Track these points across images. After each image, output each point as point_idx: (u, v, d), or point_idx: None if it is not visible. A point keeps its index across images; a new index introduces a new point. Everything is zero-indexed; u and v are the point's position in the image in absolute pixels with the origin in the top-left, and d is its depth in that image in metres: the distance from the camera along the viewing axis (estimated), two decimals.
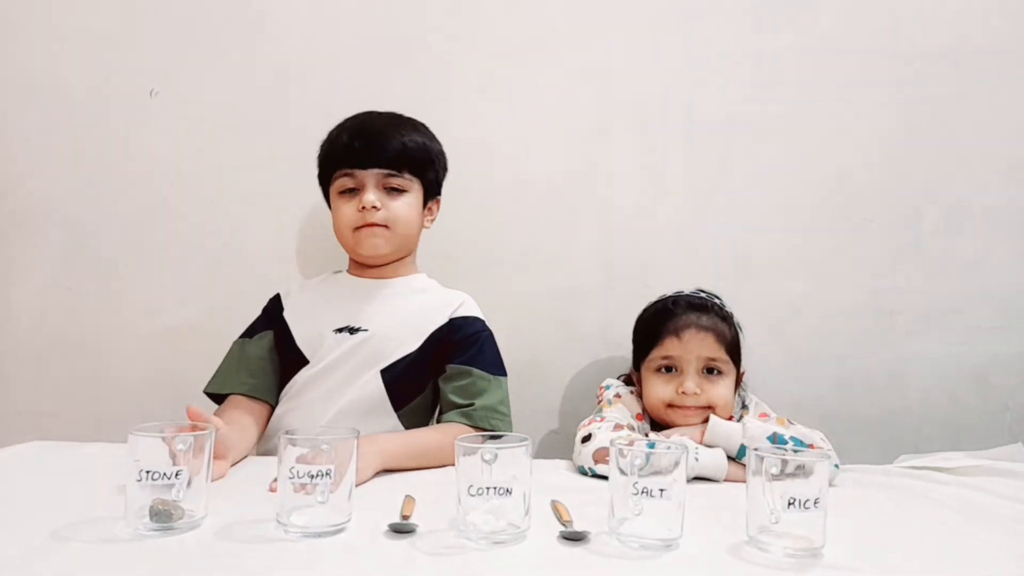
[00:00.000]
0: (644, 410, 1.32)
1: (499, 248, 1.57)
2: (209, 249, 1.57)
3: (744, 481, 0.82)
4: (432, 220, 1.41)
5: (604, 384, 1.38)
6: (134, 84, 1.56)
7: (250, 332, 1.34)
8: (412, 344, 1.28)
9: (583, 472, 1.17)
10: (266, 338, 1.32)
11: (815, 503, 0.77)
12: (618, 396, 1.33)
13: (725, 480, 1.14)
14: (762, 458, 0.79)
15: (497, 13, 1.56)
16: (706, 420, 1.22)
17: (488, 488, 0.78)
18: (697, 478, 1.13)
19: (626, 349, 1.43)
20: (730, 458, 1.16)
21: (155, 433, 0.81)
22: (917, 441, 1.54)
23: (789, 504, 0.77)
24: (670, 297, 1.36)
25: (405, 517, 0.85)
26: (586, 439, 1.18)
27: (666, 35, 1.57)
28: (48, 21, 1.57)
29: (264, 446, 1.27)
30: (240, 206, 1.57)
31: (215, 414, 1.24)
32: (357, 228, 1.29)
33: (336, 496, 0.80)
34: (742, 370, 1.34)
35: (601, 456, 1.12)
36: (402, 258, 1.36)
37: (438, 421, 1.30)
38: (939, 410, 1.57)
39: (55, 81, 1.56)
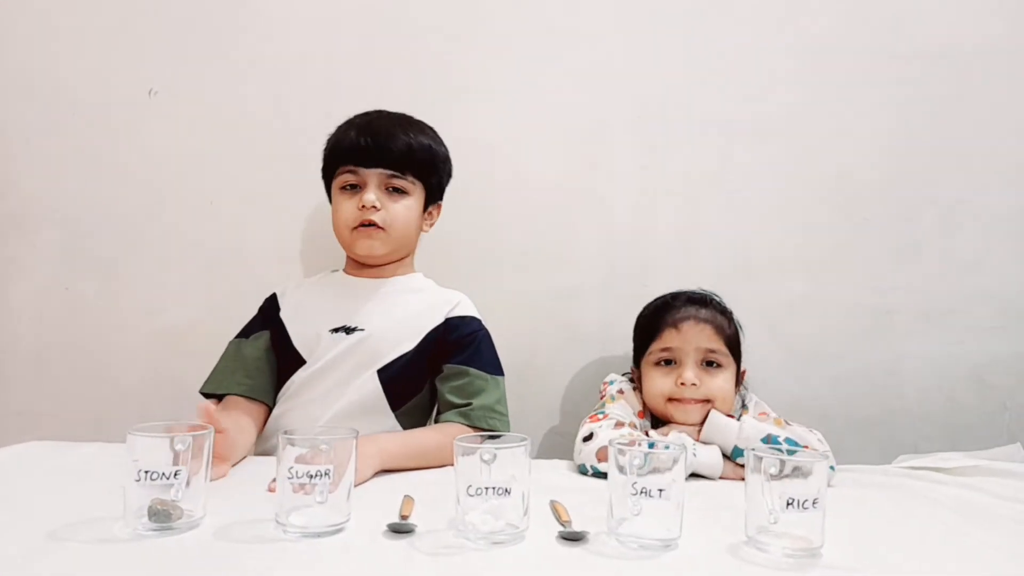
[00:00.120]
0: (645, 407, 1.32)
1: (499, 248, 1.57)
2: (209, 249, 1.57)
3: (738, 479, 0.82)
4: (431, 225, 1.40)
5: (608, 379, 1.38)
6: (134, 84, 1.56)
7: (246, 332, 1.34)
8: (409, 344, 1.28)
9: (583, 471, 1.17)
10: (262, 338, 1.32)
11: (814, 503, 0.77)
12: (621, 392, 1.33)
13: (720, 478, 1.15)
14: (760, 458, 0.79)
15: (497, 13, 1.56)
16: (703, 422, 1.23)
17: (487, 488, 0.78)
18: (692, 475, 1.14)
19: (626, 348, 1.43)
20: (725, 456, 1.17)
21: (154, 433, 0.81)
22: (916, 441, 1.55)
23: (788, 504, 0.77)
24: (670, 294, 1.37)
25: (404, 517, 0.85)
26: (588, 438, 1.18)
27: (666, 35, 1.57)
28: (48, 21, 1.56)
29: (262, 446, 1.27)
30: (240, 206, 1.57)
31: None
32: (355, 227, 1.29)
33: (335, 496, 0.81)
34: (743, 369, 1.34)
35: (604, 455, 1.12)
36: (399, 259, 1.36)
37: (436, 421, 1.30)
38: (938, 410, 1.57)
39: (55, 81, 1.56)
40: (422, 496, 0.93)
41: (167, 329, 1.56)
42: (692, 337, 1.28)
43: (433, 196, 1.37)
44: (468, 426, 1.21)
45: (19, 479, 1.02)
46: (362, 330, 1.27)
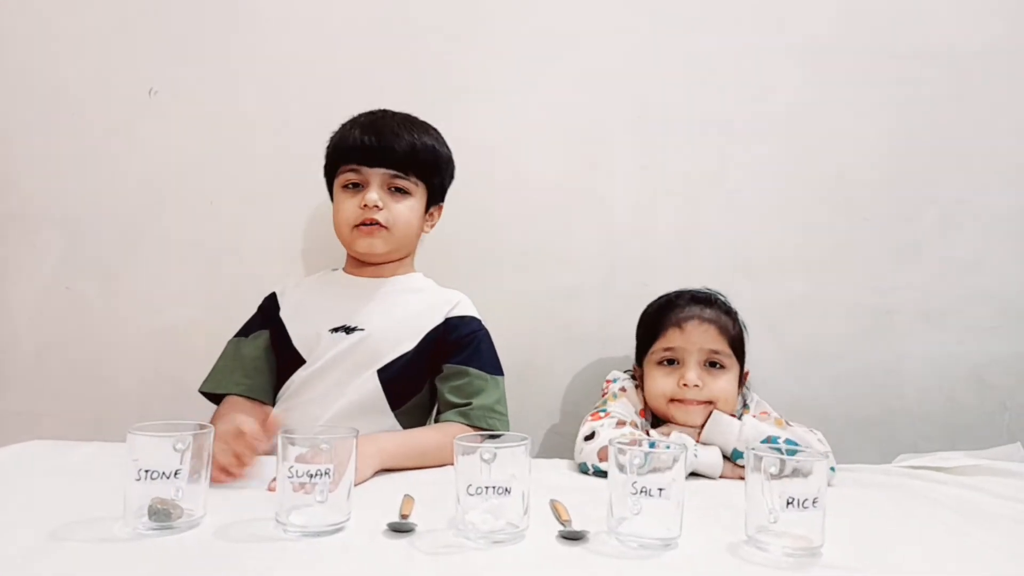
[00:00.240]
0: (646, 406, 1.32)
1: (499, 248, 1.57)
2: (209, 249, 1.57)
3: (738, 478, 0.82)
4: (432, 226, 1.40)
5: (610, 377, 1.38)
6: (134, 84, 1.56)
7: (245, 331, 1.34)
8: (408, 343, 1.28)
9: (584, 470, 1.17)
10: (261, 337, 1.32)
11: (813, 503, 0.77)
12: (623, 390, 1.33)
13: (720, 477, 1.16)
14: (760, 457, 0.79)
15: (497, 13, 1.56)
16: (702, 425, 1.22)
17: (487, 487, 0.78)
18: (692, 474, 1.14)
19: (626, 348, 1.43)
20: (725, 457, 1.17)
21: (154, 432, 0.81)
22: (916, 441, 1.55)
23: (788, 504, 0.77)
24: (674, 292, 1.36)
25: (404, 516, 0.85)
26: (589, 437, 1.18)
27: (666, 35, 1.57)
28: (48, 21, 1.56)
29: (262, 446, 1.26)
30: (240, 206, 1.57)
31: (214, 415, 1.25)
32: (356, 226, 1.29)
33: (335, 495, 0.81)
34: (746, 370, 1.34)
35: (605, 454, 1.11)
36: (400, 259, 1.36)
37: (436, 421, 1.30)
38: (938, 410, 1.57)
39: (55, 81, 1.56)
40: (422, 495, 0.93)
41: (167, 329, 1.56)
42: (696, 337, 1.27)
43: (435, 197, 1.37)
44: (468, 426, 1.21)
45: (19, 479, 1.02)
46: (362, 330, 1.27)
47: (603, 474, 1.03)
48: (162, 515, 0.78)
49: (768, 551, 0.78)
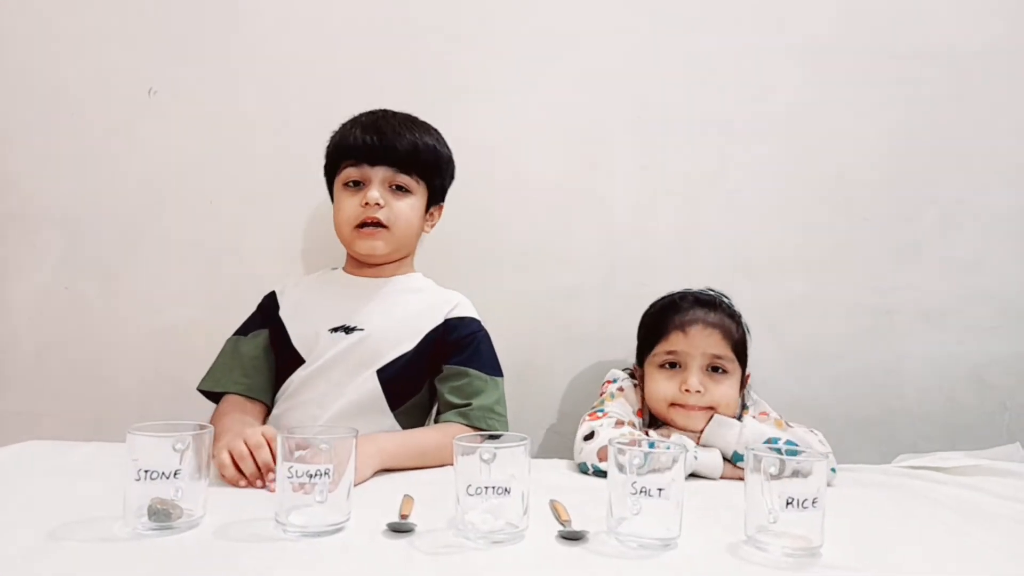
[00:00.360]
0: (644, 406, 1.32)
1: (499, 248, 1.57)
2: (209, 249, 1.56)
3: (737, 479, 0.82)
4: (432, 226, 1.40)
5: (610, 376, 1.37)
6: (133, 84, 1.56)
7: (244, 329, 1.34)
8: (408, 344, 1.28)
9: (583, 470, 1.17)
10: (261, 336, 1.32)
11: (813, 503, 0.77)
12: (621, 390, 1.33)
13: (720, 478, 1.16)
14: (760, 458, 0.79)
15: (497, 13, 1.56)
16: (702, 430, 1.22)
17: (487, 487, 0.78)
18: (692, 475, 1.14)
19: (626, 349, 1.43)
20: (725, 459, 1.17)
21: (154, 432, 0.81)
22: (916, 441, 1.55)
23: (787, 504, 0.77)
24: (678, 293, 1.35)
25: (404, 516, 0.85)
26: (589, 436, 1.18)
27: (666, 35, 1.57)
28: (48, 21, 1.56)
29: None
30: (240, 206, 1.56)
31: (213, 414, 1.25)
32: (357, 226, 1.29)
33: (335, 495, 0.81)
34: (747, 372, 1.33)
35: (605, 454, 1.11)
36: (400, 258, 1.36)
37: (435, 421, 1.30)
38: (938, 410, 1.57)
39: (55, 81, 1.56)
40: (422, 495, 0.93)
41: (167, 329, 1.56)
42: (699, 342, 1.25)
43: (435, 197, 1.37)
44: (467, 426, 1.21)
45: (19, 479, 1.02)
46: (361, 330, 1.27)
47: (603, 474, 1.03)
48: (162, 515, 0.78)
49: (768, 551, 0.78)
